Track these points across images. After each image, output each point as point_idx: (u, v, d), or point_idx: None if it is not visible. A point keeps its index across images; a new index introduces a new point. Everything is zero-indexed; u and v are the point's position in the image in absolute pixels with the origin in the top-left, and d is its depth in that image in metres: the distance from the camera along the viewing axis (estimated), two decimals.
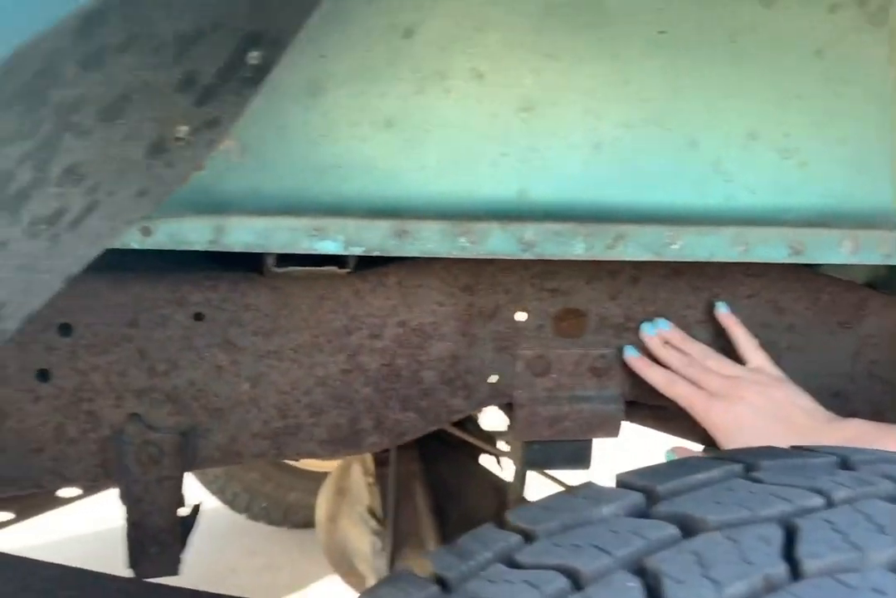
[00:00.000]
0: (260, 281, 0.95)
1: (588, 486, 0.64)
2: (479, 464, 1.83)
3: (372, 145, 0.80)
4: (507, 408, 1.12)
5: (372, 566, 1.76)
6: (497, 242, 0.80)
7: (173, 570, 1.01)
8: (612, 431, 1.12)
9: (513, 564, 0.54)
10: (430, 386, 1.05)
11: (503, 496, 1.74)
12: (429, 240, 0.79)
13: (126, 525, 0.97)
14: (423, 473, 1.70)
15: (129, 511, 0.97)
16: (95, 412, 0.93)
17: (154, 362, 0.94)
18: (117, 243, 0.70)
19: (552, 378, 1.10)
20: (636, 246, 0.84)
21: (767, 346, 1.16)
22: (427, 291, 1.02)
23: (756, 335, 1.14)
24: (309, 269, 0.87)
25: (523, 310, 1.07)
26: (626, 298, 1.10)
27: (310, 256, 0.85)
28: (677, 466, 0.64)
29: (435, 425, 1.08)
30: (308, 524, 2.89)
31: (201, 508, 1.07)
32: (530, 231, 0.81)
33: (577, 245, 0.82)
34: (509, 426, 1.13)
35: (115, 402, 0.94)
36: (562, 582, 0.49)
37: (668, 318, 1.12)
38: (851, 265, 1.25)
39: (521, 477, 1.65)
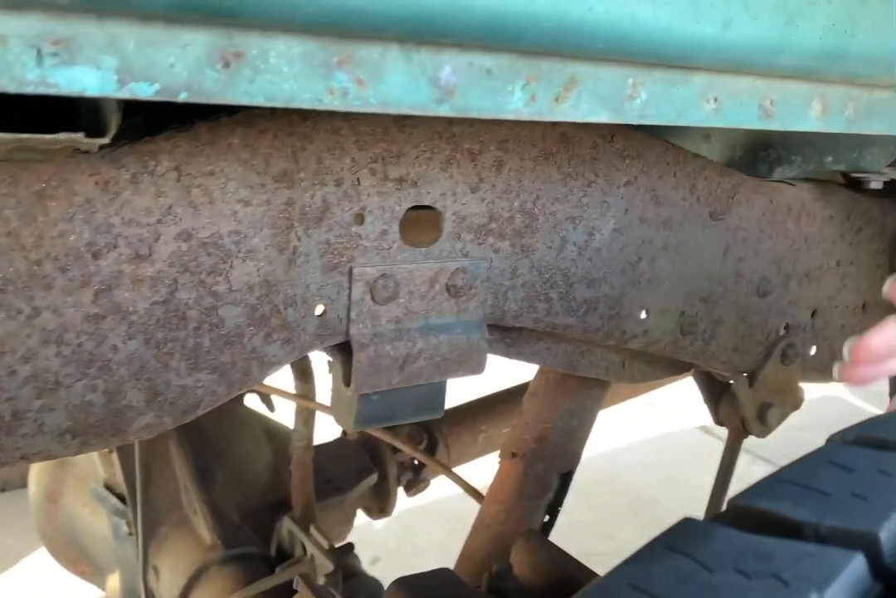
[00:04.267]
0: None
1: None
2: (245, 407, 1.48)
3: None
4: (339, 350, 0.79)
5: (115, 553, 1.36)
6: (397, 82, 0.45)
7: None
8: (476, 367, 0.84)
9: None
10: (234, 330, 0.69)
11: (281, 444, 1.41)
12: (281, 74, 0.42)
13: None
14: (176, 428, 1.31)
15: None
16: None
17: None
18: None
19: (400, 304, 0.78)
20: (591, 99, 0.54)
21: (643, 245, 0.94)
22: (224, 181, 0.64)
23: (631, 233, 0.91)
24: (21, 137, 0.46)
25: (362, 210, 0.73)
26: (490, 189, 0.80)
27: (23, 112, 0.44)
28: None
29: (242, 388, 0.72)
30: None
31: None
32: (448, 67, 0.47)
33: (516, 94, 0.50)
34: (341, 375, 0.80)
35: None
36: None
37: (535, 215, 0.85)
38: (709, 145, 1.07)
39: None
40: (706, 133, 1.05)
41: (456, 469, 1.83)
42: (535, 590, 0.90)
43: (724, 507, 0.38)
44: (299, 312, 0.73)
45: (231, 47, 0.40)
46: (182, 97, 0.39)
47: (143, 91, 0.38)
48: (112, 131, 0.49)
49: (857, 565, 0.31)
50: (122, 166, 0.59)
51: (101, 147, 0.55)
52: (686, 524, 0.36)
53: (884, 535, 0.32)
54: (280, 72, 0.42)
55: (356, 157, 0.71)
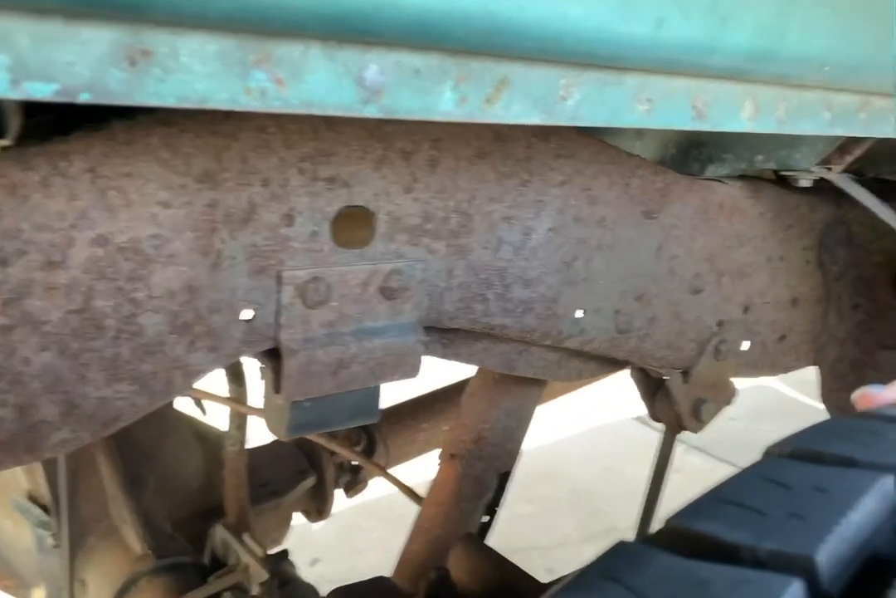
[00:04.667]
0: None
1: None
2: (176, 411, 1.43)
3: None
4: (268, 356, 0.76)
5: (39, 566, 1.30)
6: (320, 81, 0.43)
7: None
8: (412, 370, 0.83)
9: None
10: (155, 338, 0.66)
11: (214, 449, 1.37)
12: (194, 73, 0.39)
13: None
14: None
15: None
16: None
17: None
18: None
19: (333, 308, 0.76)
20: (523, 100, 0.52)
21: (578, 245, 0.93)
22: (142, 183, 0.61)
23: (566, 232, 0.90)
24: None
25: (290, 211, 0.70)
26: (424, 189, 0.79)
27: None
28: None
29: (165, 398, 0.69)
30: None
31: None
32: (374, 66, 0.45)
33: (446, 95, 0.48)
34: (272, 382, 0.77)
35: None
36: None
37: (471, 215, 0.83)
38: (643, 143, 1.07)
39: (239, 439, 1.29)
40: (639, 132, 1.05)
41: (399, 467, 1.82)
42: (473, 595, 0.89)
43: (660, 524, 0.37)
44: (225, 318, 0.70)
45: (138, 45, 0.37)
46: (84, 98, 0.37)
47: (40, 91, 0.35)
48: (13, 132, 0.46)
49: (795, 591, 0.30)
50: (30, 168, 0.55)
51: (5, 148, 0.51)
52: (621, 549, 0.35)
53: (821, 558, 0.31)
54: (192, 71, 0.39)
55: (284, 156, 0.69)
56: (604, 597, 0.32)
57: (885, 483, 0.37)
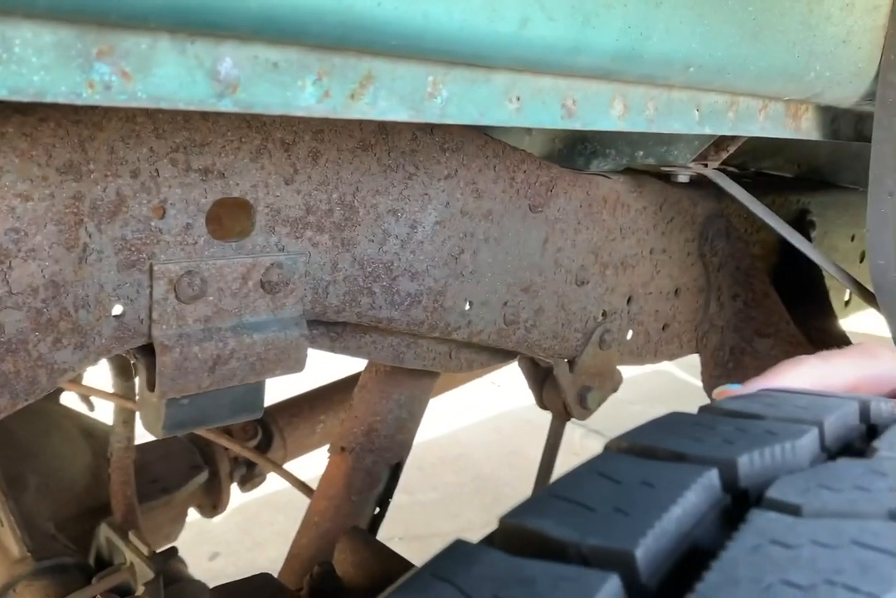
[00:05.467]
0: None
1: None
2: (60, 406, 1.37)
3: None
4: (141, 353, 0.74)
5: None
6: (170, 74, 0.42)
7: None
8: (296, 365, 0.82)
9: None
10: (15, 336, 0.63)
11: (101, 445, 1.33)
12: (29, 65, 0.37)
13: None
14: None
15: None
16: None
17: None
18: None
19: (209, 303, 0.74)
20: (389, 96, 0.52)
21: (465, 238, 0.94)
22: None
23: (453, 225, 0.91)
24: None
25: (162, 203, 0.68)
26: (306, 181, 0.78)
27: None
28: None
29: (28, 398, 0.66)
30: None
31: None
32: (228, 59, 0.44)
33: (307, 90, 0.48)
34: (145, 379, 0.75)
35: None
36: None
37: (355, 208, 0.83)
38: (531, 137, 1.09)
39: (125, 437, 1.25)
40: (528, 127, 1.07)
41: (298, 460, 1.80)
42: (358, 590, 0.89)
43: (500, 520, 0.38)
44: (93, 314, 0.67)
45: None
46: None
47: None
48: None
49: (611, 586, 0.31)
50: None
51: None
52: (455, 548, 0.36)
53: (639, 552, 0.33)
54: (28, 62, 0.37)
55: (154, 146, 0.67)
56: (431, 595, 0.32)
57: (710, 477, 0.39)
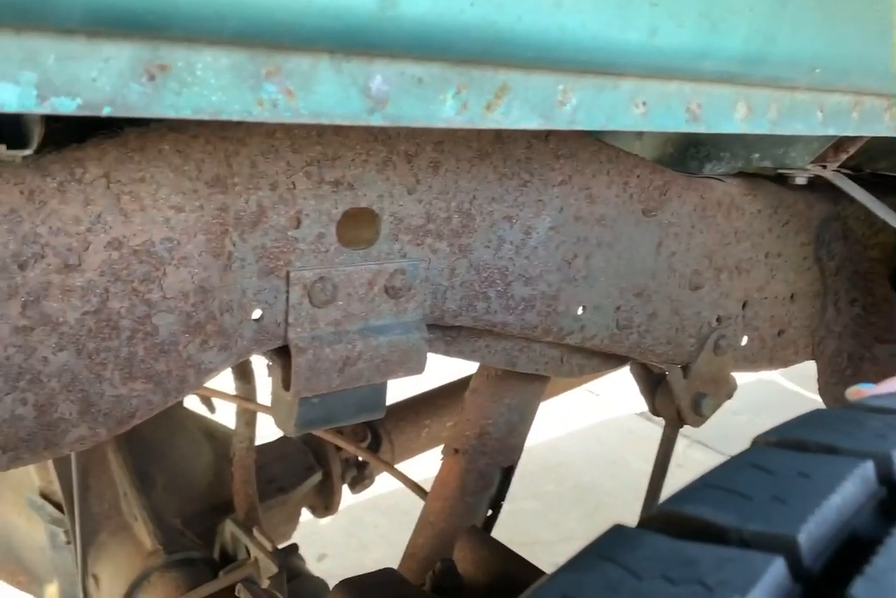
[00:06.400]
0: None
1: None
2: (184, 409, 1.45)
3: None
4: (277, 354, 0.78)
5: (52, 562, 1.33)
6: (328, 92, 0.45)
7: None
8: (417, 367, 0.85)
9: None
10: (168, 338, 0.68)
11: (222, 446, 1.39)
12: (209, 86, 0.41)
13: None
14: None
15: None
16: None
17: None
18: None
19: (339, 307, 0.78)
20: (522, 105, 0.54)
21: (578, 243, 0.95)
22: (154, 188, 0.63)
23: (566, 231, 0.92)
24: None
25: (298, 213, 0.72)
26: (427, 190, 0.81)
27: None
28: None
29: (178, 396, 0.71)
30: None
31: None
32: (379, 76, 0.47)
33: (447, 103, 0.50)
34: (280, 379, 0.80)
35: None
36: None
37: (472, 215, 0.85)
38: (641, 142, 1.09)
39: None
40: (639, 132, 1.07)
41: (404, 463, 1.84)
42: (479, 586, 0.91)
43: (656, 507, 0.39)
44: (236, 317, 0.72)
45: (156, 60, 0.39)
46: (106, 112, 0.39)
47: (66, 106, 0.37)
48: (35, 143, 0.48)
49: (777, 568, 0.32)
50: (48, 175, 0.58)
51: (24, 157, 0.53)
52: (616, 532, 0.37)
53: (802, 538, 0.33)
54: (207, 84, 0.41)
55: (291, 160, 0.71)
56: (599, 574, 0.34)
57: (866, 469, 0.39)
